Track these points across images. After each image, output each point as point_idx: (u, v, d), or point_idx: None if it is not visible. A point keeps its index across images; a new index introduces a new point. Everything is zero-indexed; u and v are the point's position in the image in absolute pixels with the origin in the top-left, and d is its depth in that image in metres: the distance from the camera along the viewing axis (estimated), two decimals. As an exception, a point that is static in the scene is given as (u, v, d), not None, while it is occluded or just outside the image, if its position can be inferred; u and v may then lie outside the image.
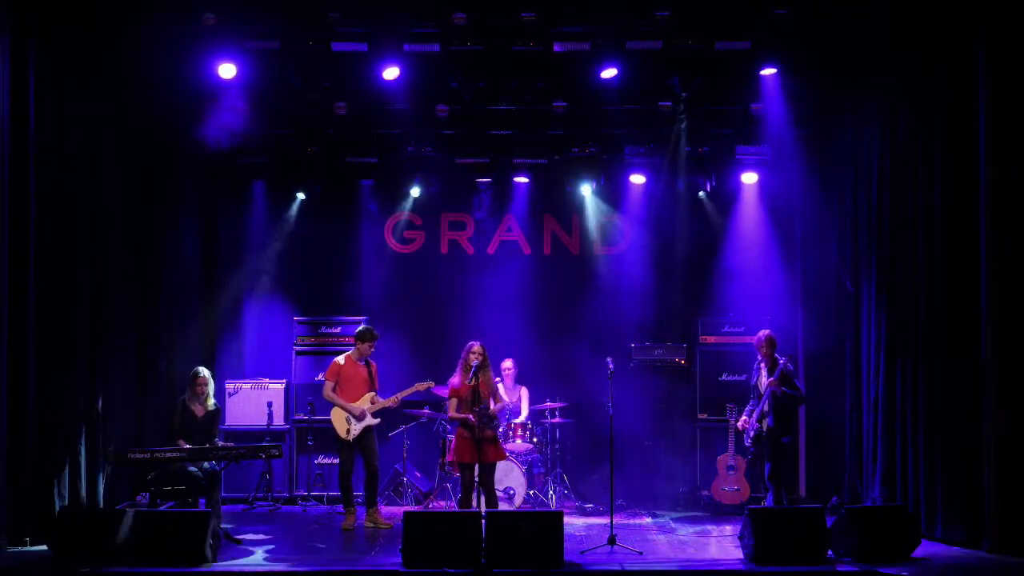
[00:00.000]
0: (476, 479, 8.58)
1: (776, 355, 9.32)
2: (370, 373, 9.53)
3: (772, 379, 9.17)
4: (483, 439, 8.53)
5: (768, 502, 9.27)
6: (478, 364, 8.65)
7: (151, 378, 10.36)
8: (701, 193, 11.64)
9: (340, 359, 9.55)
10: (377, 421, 9.48)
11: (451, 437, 10.06)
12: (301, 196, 11.54)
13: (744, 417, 9.50)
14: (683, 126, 10.59)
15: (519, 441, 10.24)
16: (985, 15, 8.05)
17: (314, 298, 11.72)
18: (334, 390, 9.45)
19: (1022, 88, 7.97)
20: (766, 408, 9.20)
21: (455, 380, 8.81)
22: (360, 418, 9.34)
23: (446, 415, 10.06)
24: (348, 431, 9.39)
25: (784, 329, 11.17)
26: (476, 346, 8.77)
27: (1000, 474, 7.90)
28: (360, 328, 9.66)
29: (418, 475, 10.84)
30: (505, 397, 10.23)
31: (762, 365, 9.42)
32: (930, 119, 8.63)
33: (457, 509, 8.92)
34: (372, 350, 9.55)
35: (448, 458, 9.20)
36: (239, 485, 10.70)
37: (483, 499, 8.53)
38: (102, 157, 9.41)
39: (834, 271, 10.36)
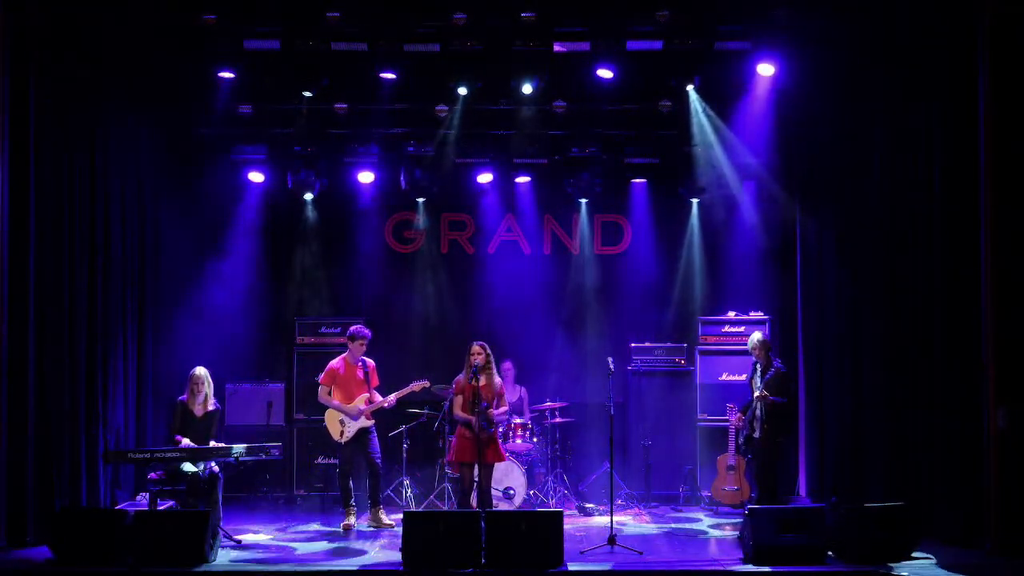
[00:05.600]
0: (476, 479, 8.59)
1: (772, 356, 9.31)
2: (366, 374, 9.52)
3: (761, 389, 9.16)
4: (483, 440, 8.53)
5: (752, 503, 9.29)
6: (479, 365, 8.66)
7: (151, 378, 10.36)
8: (701, 193, 11.62)
9: (335, 362, 9.54)
10: (371, 423, 9.47)
11: (452, 437, 10.08)
12: (308, 195, 11.52)
13: (739, 414, 9.53)
14: (683, 126, 10.59)
15: (519, 441, 10.24)
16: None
17: (314, 298, 11.71)
18: (330, 393, 9.45)
19: (1022, 85, 7.98)
20: (758, 413, 9.19)
21: (460, 378, 8.82)
22: (355, 417, 9.34)
23: (445, 415, 10.13)
24: (341, 433, 9.39)
25: (784, 329, 11.19)
26: (476, 346, 8.77)
27: (1000, 474, 7.89)
28: (351, 329, 9.65)
29: (418, 475, 10.83)
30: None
31: (757, 366, 9.44)
32: (931, 117, 8.63)
33: (457, 509, 8.92)
34: (364, 349, 9.53)
35: (448, 458, 9.21)
36: (239, 485, 10.69)
37: (477, 499, 8.55)
38: (101, 157, 9.42)
39: (834, 270, 10.36)
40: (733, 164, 11.07)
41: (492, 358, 8.82)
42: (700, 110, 10.43)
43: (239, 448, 8.59)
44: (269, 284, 11.68)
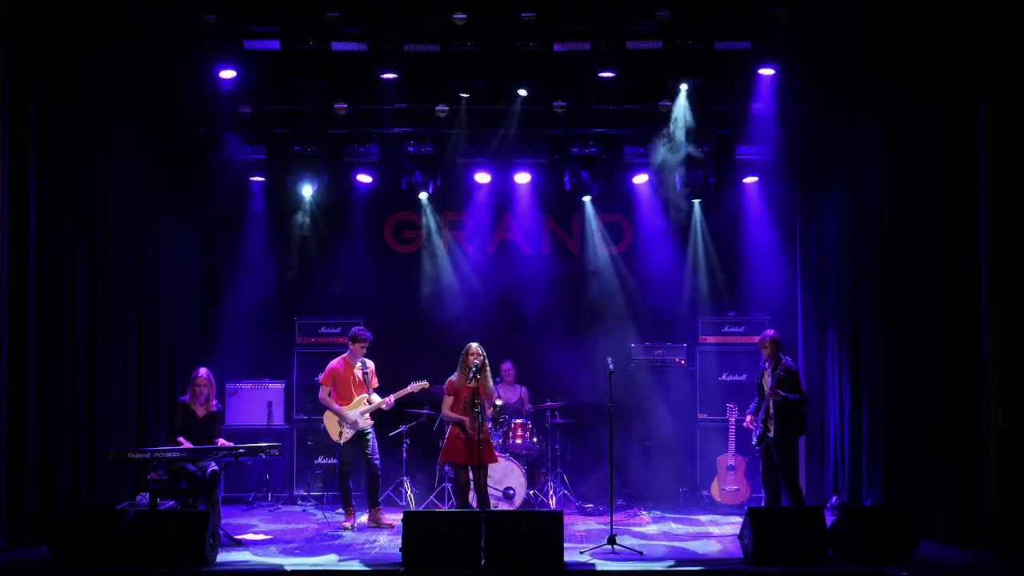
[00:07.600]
0: (472, 480, 8.60)
1: (781, 355, 9.19)
2: (366, 375, 9.52)
3: (771, 386, 9.06)
4: (480, 441, 8.53)
5: (761, 502, 9.24)
6: (478, 365, 8.65)
7: (151, 378, 10.36)
8: (701, 193, 11.62)
9: (336, 363, 9.54)
10: (370, 424, 9.47)
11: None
12: (308, 195, 11.51)
13: (749, 416, 9.39)
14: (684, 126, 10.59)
15: (519, 441, 10.24)
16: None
17: (314, 298, 11.71)
18: (330, 394, 9.45)
19: (1022, 89, 7.98)
20: (771, 412, 9.06)
21: (454, 379, 8.81)
22: (352, 424, 9.35)
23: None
24: (340, 434, 9.40)
25: (784, 329, 11.18)
26: (475, 347, 8.77)
27: (1000, 474, 7.89)
28: (352, 330, 9.65)
29: (418, 475, 10.83)
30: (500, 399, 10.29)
31: (766, 365, 9.33)
32: (931, 118, 8.63)
33: (456, 509, 8.92)
34: (364, 350, 9.54)
35: (440, 458, 9.21)
36: (239, 485, 10.71)
37: (476, 500, 8.56)
38: (101, 156, 9.42)
39: (834, 270, 10.36)
40: (734, 163, 11.06)
41: (487, 359, 8.82)
42: (684, 110, 10.40)
43: (239, 448, 8.60)
44: (269, 284, 11.66)
